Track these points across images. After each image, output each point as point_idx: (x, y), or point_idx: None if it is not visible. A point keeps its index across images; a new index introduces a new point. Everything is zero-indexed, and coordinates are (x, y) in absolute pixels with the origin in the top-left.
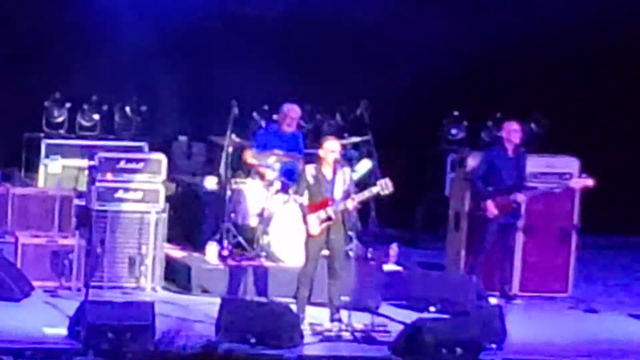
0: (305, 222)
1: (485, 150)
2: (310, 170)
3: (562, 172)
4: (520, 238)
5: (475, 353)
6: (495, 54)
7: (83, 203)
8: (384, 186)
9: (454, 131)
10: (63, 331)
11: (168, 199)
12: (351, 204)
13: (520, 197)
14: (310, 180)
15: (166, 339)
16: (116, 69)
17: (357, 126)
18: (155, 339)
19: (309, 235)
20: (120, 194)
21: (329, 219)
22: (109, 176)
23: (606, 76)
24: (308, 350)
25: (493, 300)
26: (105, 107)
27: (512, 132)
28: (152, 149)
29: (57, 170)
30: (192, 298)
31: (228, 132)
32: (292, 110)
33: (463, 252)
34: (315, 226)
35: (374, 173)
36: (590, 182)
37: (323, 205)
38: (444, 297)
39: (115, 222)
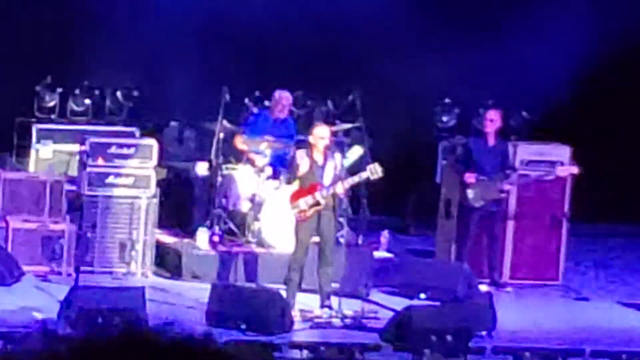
0: (292, 207)
1: (465, 139)
2: (301, 155)
3: (553, 159)
4: (511, 226)
5: (465, 340)
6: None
7: (74, 188)
8: (373, 171)
9: (445, 118)
10: (53, 316)
11: (159, 184)
12: (340, 189)
13: (507, 186)
14: (302, 165)
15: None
16: (108, 54)
17: (348, 113)
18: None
19: (298, 222)
20: (111, 179)
21: (317, 204)
22: (100, 161)
23: (598, 63)
24: (298, 337)
25: (483, 288)
26: (96, 92)
27: (488, 121)
28: (144, 134)
29: (48, 155)
30: (182, 284)
31: (219, 118)
32: (284, 97)
33: (453, 240)
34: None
35: (365, 160)
36: (575, 169)
37: (311, 190)
38: (434, 284)
39: (106, 207)
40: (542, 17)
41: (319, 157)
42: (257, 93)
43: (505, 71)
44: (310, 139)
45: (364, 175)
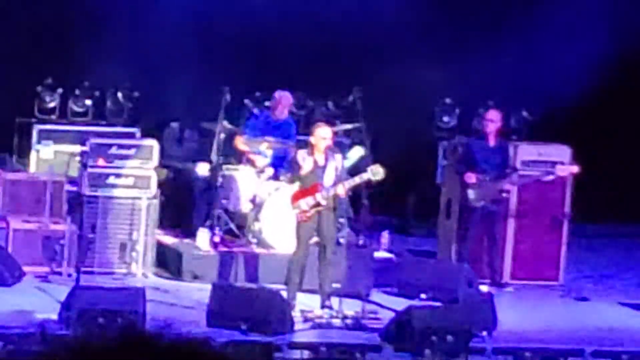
0: (293, 207)
1: (465, 139)
2: (302, 155)
3: (553, 160)
4: (511, 226)
5: (465, 340)
6: (487, 42)
7: (74, 189)
8: (375, 172)
9: (445, 119)
10: (54, 316)
11: (159, 185)
12: (341, 190)
13: (507, 186)
14: (305, 165)
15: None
16: (108, 55)
17: (349, 113)
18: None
19: (299, 222)
20: (111, 179)
21: (317, 204)
22: (100, 162)
23: (599, 63)
24: (299, 337)
25: (484, 288)
26: (97, 93)
27: (488, 121)
28: (144, 135)
29: (49, 156)
30: (183, 284)
31: (220, 119)
32: (284, 97)
33: (454, 240)
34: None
35: (366, 160)
36: (575, 168)
37: (312, 191)
38: (434, 284)
39: (107, 208)
40: (542, 17)
41: (320, 157)
42: (257, 94)
43: (506, 71)
44: (312, 139)
45: (365, 176)
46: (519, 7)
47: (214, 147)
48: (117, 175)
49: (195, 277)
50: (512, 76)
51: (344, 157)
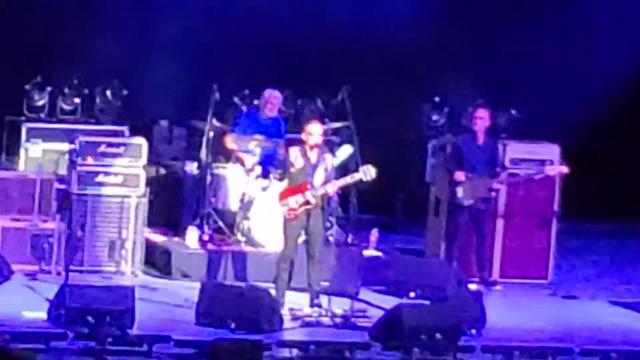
0: (281, 204)
1: (454, 137)
2: (294, 152)
3: (542, 158)
4: (500, 224)
5: (454, 339)
6: (480, 41)
7: (63, 187)
8: (366, 172)
9: (434, 117)
10: (43, 315)
11: (148, 183)
12: (331, 189)
13: (496, 184)
14: (297, 162)
15: None
16: (97, 53)
17: (338, 112)
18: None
19: (287, 220)
20: (100, 178)
21: (307, 203)
22: (89, 160)
23: (589, 60)
24: (287, 336)
25: (473, 286)
26: (86, 91)
27: (478, 119)
28: (133, 133)
29: (38, 154)
30: (172, 282)
31: (209, 117)
32: (273, 96)
33: (443, 238)
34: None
35: (355, 159)
36: (564, 169)
37: (302, 189)
38: (423, 282)
39: (96, 206)
40: (533, 14)
41: (311, 155)
42: (246, 92)
43: (495, 69)
44: (303, 135)
45: (357, 176)
46: (510, 5)
47: (203, 145)
48: (106, 174)
49: (184, 276)
50: (501, 74)
51: (333, 156)
